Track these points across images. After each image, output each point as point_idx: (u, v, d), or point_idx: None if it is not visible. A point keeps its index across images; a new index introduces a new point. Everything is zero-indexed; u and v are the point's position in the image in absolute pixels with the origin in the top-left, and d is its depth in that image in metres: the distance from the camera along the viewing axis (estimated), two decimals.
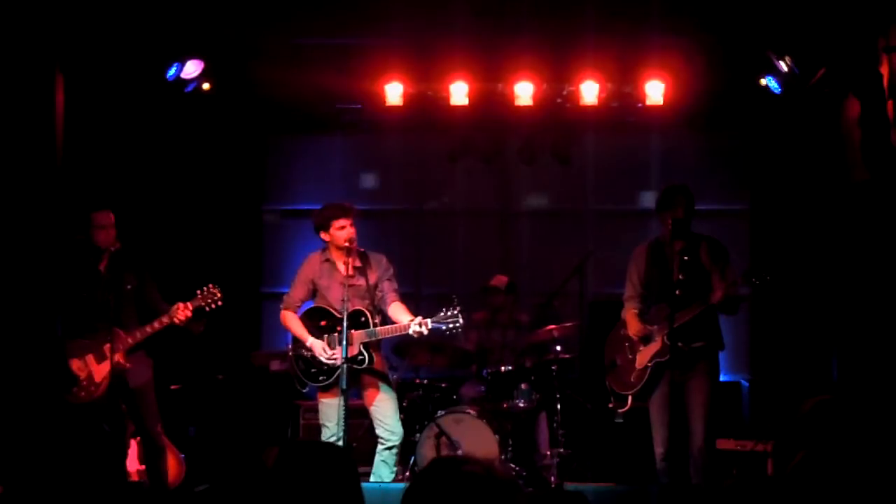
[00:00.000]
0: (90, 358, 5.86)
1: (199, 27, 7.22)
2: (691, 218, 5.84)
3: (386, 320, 5.99)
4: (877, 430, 3.28)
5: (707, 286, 5.74)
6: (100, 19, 6.51)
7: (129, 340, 5.85)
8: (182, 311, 5.86)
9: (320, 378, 5.95)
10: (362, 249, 6.09)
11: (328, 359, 5.89)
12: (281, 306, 6.19)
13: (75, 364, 5.86)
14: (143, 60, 7.16)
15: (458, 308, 5.79)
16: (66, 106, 6.41)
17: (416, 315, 5.84)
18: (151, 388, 6.06)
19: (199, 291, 5.92)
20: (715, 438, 6.00)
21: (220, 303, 5.95)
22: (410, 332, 5.80)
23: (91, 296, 5.89)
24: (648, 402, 5.88)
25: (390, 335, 6.02)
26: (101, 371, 5.83)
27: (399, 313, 5.93)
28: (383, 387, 6.04)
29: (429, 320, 5.78)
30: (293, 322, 6.07)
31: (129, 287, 5.94)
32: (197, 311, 5.92)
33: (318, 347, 5.94)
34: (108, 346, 5.81)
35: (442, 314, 5.79)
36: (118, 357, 5.79)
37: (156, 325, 5.88)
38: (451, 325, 5.79)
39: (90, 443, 5.45)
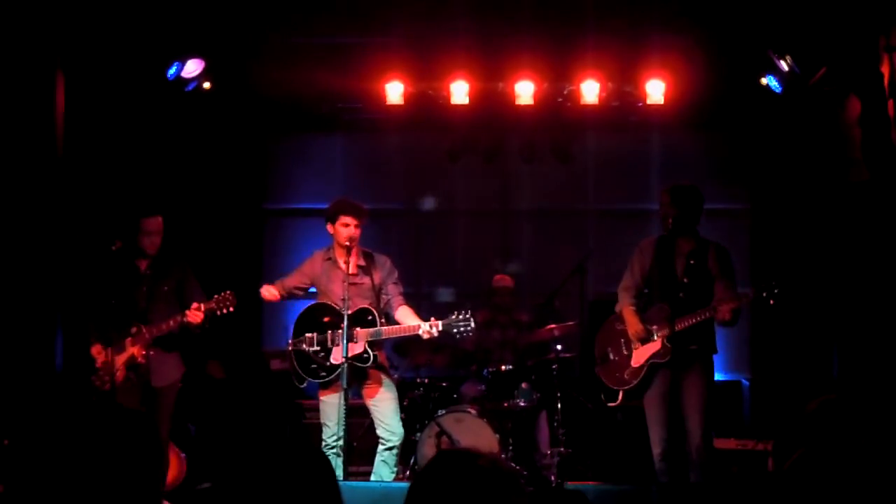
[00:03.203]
0: (111, 349, 5.91)
1: (199, 26, 7.21)
2: (693, 217, 5.80)
3: (391, 323, 5.97)
4: (878, 429, 3.28)
5: (710, 293, 5.71)
6: (101, 18, 6.51)
7: (147, 336, 5.91)
8: (192, 313, 5.88)
9: (321, 374, 5.94)
10: (368, 250, 6.10)
11: (269, 298, 6.08)
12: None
13: (95, 349, 5.93)
14: (144, 59, 7.15)
15: (470, 312, 5.80)
16: (66, 105, 6.41)
17: (423, 320, 5.83)
18: (174, 391, 6.12)
19: (216, 296, 5.94)
20: (712, 436, 5.98)
21: (231, 308, 5.94)
22: (420, 332, 5.79)
23: (127, 294, 5.95)
24: (644, 401, 5.84)
25: (398, 335, 6.01)
26: (117, 362, 5.88)
27: (407, 318, 5.93)
28: (384, 386, 6.03)
29: (440, 322, 5.77)
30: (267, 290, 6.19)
31: (166, 288, 6.03)
32: (208, 314, 5.92)
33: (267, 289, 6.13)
34: (129, 339, 5.88)
35: (454, 317, 5.78)
36: (135, 350, 5.88)
37: (171, 323, 5.93)
38: (462, 329, 5.78)
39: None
